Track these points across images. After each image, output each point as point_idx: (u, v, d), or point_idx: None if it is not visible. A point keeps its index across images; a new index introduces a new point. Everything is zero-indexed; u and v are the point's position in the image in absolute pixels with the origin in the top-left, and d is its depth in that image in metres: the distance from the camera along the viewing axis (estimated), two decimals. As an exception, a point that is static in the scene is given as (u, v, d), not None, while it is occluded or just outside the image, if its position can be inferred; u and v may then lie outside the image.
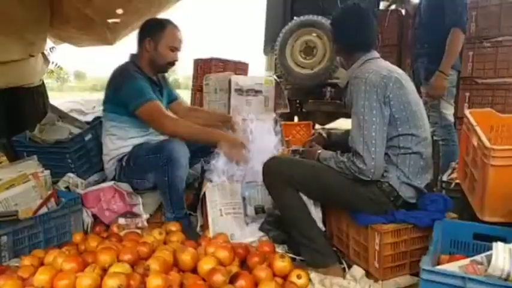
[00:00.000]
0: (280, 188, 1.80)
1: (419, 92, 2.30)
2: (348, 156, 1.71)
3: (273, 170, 1.82)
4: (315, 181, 1.77)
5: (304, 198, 1.83)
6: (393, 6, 4.09)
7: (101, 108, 3.92)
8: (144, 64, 2.34)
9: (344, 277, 1.73)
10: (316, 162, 1.84)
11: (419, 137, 1.72)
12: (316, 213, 2.27)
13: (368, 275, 1.73)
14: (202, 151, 2.31)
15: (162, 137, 2.32)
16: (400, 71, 1.82)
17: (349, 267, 1.81)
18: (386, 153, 1.71)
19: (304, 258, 1.86)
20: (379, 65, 1.78)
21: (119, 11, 3.36)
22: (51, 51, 4.49)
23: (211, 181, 2.16)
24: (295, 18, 4.79)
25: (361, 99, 1.68)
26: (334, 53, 1.96)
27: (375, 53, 1.87)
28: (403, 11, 4.08)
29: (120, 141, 2.34)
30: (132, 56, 2.39)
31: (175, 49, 2.34)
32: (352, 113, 1.73)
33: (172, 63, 2.39)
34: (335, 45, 1.95)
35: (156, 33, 2.29)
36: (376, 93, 1.67)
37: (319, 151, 1.89)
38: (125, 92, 2.22)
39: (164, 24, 2.31)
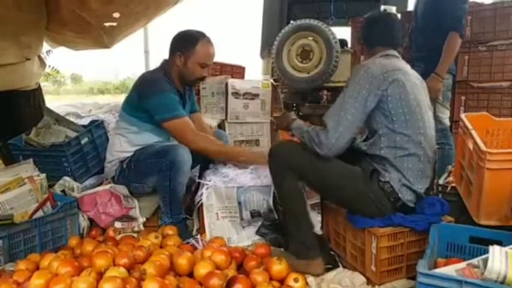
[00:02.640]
0: (284, 173, 1.80)
1: None
2: (314, 128, 1.76)
3: (279, 154, 1.82)
4: (318, 172, 1.76)
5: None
6: (394, 9, 4.11)
7: (97, 111, 3.93)
8: (174, 76, 2.31)
9: (324, 272, 1.77)
10: None
11: (417, 139, 1.72)
12: (315, 217, 2.28)
13: (368, 282, 1.72)
14: (200, 156, 2.30)
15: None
16: (412, 72, 1.83)
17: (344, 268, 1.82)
18: (384, 158, 1.73)
19: (289, 247, 1.90)
20: (389, 62, 1.79)
21: (116, 15, 3.36)
22: (47, 55, 4.48)
23: (207, 184, 2.16)
24: (291, 22, 4.81)
25: (354, 83, 1.73)
26: (359, 52, 2.05)
27: (394, 52, 1.89)
28: (399, 15, 4.10)
29: (128, 144, 2.32)
30: (165, 64, 2.34)
31: (205, 65, 2.30)
32: (342, 92, 1.76)
33: (201, 79, 2.36)
34: (360, 45, 2.04)
35: (187, 49, 2.25)
36: (369, 82, 1.70)
37: (293, 117, 1.93)
38: (153, 102, 2.19)
39: (196, 39, 2.25)
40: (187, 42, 2.27)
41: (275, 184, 1.90)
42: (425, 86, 1.92)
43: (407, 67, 1.86)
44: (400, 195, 1.72)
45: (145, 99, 2.21)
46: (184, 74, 2.29)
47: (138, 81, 2.34)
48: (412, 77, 1.81)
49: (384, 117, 1.72)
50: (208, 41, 2.30)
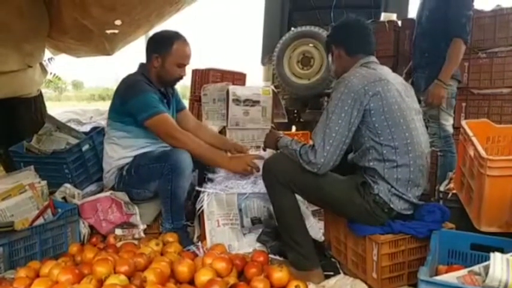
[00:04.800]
0: (278, 188, 1.80)
1: (419, 102, 2.29)
2: (303, 146, 1.74)
3: (273, 169, 1.82)
4: (314, 187, 1.76)
5: (303, 208, 1.83)
6: (394, 16, 4.12)
7: (98, 118, 3.93)
8: (153, 77, 2.33)
9: (322, 280, 1.77)
10: None
11: (404, 150, 1.70)
12: (316, 224, 2.27)
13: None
14: (198, 161, 2.30)
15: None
16: (394, 80, 1.80)
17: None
18: (374, 169, 1.72)
19: (288, 258, 1.89)
20: (371, 73, 1.77)
21: (117, 22, 3.38)
22: (49, 62, 4.51)
23: (207, 191, 2.16)
24: (292, 29, 4.83)
25: (336, 99, 1.71)
26: (334, 60, 1.98)
27: (373, 58, 1.88)
28: (400, 22, 4.11)
29: (123, 150, 2.33)
30: (142, 67, 2.38)
31: (182, 65, 2.34)
32: (325, 108, 1.76)
33: (179, 78, 2.39)
34: (336, 50, 1.94)
35: (164, 50, 2.27)
36: (352, 98, 1.68)
37: (280, 135, 1.92)
38: (134, 104, 2.21)
39: (172, 40, 2.28)
40: (163, 44, 2.29)
41: (270, 197, 1.90)
42: (411, 90, 1.89)
43: (389, 74, 1.84)
44: (392, 205, 1.71)
45: (127, 102, 2.24)
46: (162, 75, 2.32)
47: (118, 87, 2.36)
48: (395, 84, 1.78)
49: (369, 131, 1.71)
50: (184, 41, 2.32)
